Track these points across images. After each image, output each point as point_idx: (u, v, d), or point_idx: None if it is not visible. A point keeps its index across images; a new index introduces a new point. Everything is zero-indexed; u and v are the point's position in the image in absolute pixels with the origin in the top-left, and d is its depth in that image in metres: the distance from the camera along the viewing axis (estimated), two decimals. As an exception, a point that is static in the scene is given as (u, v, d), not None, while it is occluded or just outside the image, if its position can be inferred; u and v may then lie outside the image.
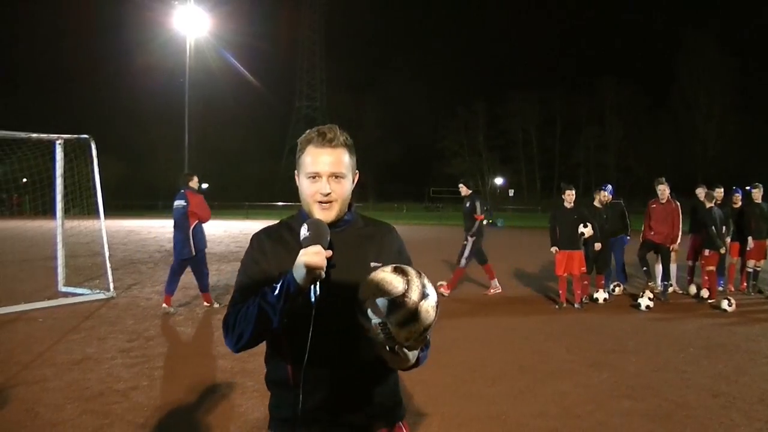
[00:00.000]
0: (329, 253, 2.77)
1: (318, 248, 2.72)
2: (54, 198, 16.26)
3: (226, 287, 16.82)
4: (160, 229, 46.17)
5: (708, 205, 15.31)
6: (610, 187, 16.76)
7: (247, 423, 7.07)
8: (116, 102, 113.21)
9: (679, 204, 15.45)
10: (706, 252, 15.17)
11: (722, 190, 16.82)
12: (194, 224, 13.66)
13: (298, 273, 2.69)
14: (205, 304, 14.45)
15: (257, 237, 3.16)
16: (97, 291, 15.53)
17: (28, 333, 11.54)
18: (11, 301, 14.02)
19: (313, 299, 2.72)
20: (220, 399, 7.89)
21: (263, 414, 7.28)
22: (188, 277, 17.59)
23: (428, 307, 2.58)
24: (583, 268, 14.34)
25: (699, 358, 10.13)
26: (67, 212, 16.64)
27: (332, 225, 2.96)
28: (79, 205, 16.90)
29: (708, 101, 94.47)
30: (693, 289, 15.94)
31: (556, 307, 14.63)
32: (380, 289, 2.57)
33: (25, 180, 18.61)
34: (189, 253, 13.64)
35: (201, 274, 14.21)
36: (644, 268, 15.65)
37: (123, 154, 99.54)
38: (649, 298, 14.24)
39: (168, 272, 14.24)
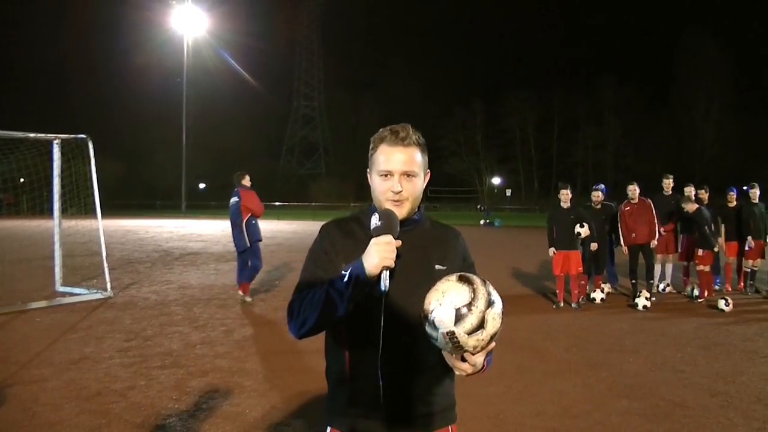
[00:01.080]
0: (399, 243, 2.80)
1: (389, 238, 2.76)
2: (51, 198, 16.24)
3: (224, 286, 16.81)
4: (157, 228, 46.14)
5: (694, 207, 15.32)
6: (602, 186, 16.74)
7: (245, 423, 7.06)
8: (114, 102, 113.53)
9: (651, 201, 15.48)
10: (700, 252, 15.18)
11: (704, 190, 16.97)
12: (247, 218, 14.41)
13: (369, 261, 2.73)
14: (239, 293, 14.87)
15: (327, 228, 3.19)
16: (95, 290, 15.54)
17: (25, 332, 11.54)
18: (9, 300, 14.05)
19: (383, 289, 2.74)
20: (218, 399, 7.89)
21: (261, 414, 7.32)
22: (184, 276, 17.63)
23: (495, 315, 2.63)
24: (580, 268, 14.36)
25: (697, 357, 10.14)
26: (65, 212, 16.65)
27: (401, 223, 2.97)
28: (77, 204, 16.91)
29: (706, 101, 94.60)
30: (690, 290, 15.93)
31: (554, 306, 14.65)
32: (446, 299, 2.59)
33: (22, 180, 18.61)
34: (244, 245, 14.41)
35: (249, 265, 14.79)
36: (632, 281, 15.60)
37: (121, 153, 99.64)
38: (647, 298, 14.27)
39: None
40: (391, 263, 2.73)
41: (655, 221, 15.23)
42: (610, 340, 11.40)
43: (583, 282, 14.91)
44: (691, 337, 11.58)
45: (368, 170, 3.14)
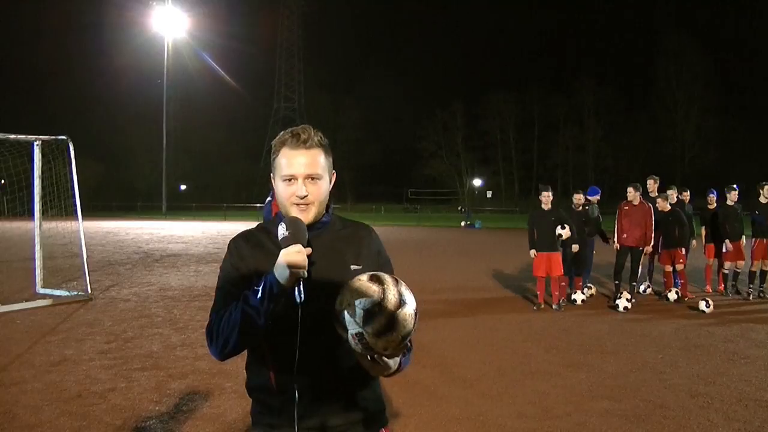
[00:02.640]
0: (309, 250, 2.74)
1: (299, 247, 2.69)
2: (32, 199, 16.16)
3: (204, 288, 16.84)
4: (138, 230, 46.01)
5: (667, 207, 15.39)
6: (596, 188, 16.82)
7: (225, 424, 7.07)
8: (95, 103, 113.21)
9: (651, 206, 15.48)
10: (682, 251, 15.26)
11: (686, 191, 17.49)
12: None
13: (281, 273, 2.66)
14: None
15: (234, 242, 3.11)
16: (75, 292, 15.48)
17: (5, 335, 11.47)
18: (-12, 302, 13.94)
19: (299, 300, 2.68)
20: (197, 400, 7.89)
21: (240, 415, 7.32)
22: (164, 278, 17.57)
23: (406, 315, 2.57)
24: (561, 270, 14.39)
25: (677, 358, 10.17)
26: (45, 213, 16.55)
27: (310, 227, 2.92)
28: (57, 206, 16.83)
29: (686, 102, 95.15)
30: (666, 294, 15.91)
31: (534, 308, 14.66)
32: (356, 299, 2.56)
33: (2, 181, 18.52)
34: None
35: None
36: (616, 282, 15.64)
37: (101, 155, 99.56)
38: (627, 299, 14.29)
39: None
40: (304, 273, 2.69)
41: (652, 227, 15.19)
42: (591, 341, 11.43)
43: (563, 284, 14.93)
44: (672, 339, 11.62)
45: (271, 175, 3.10)
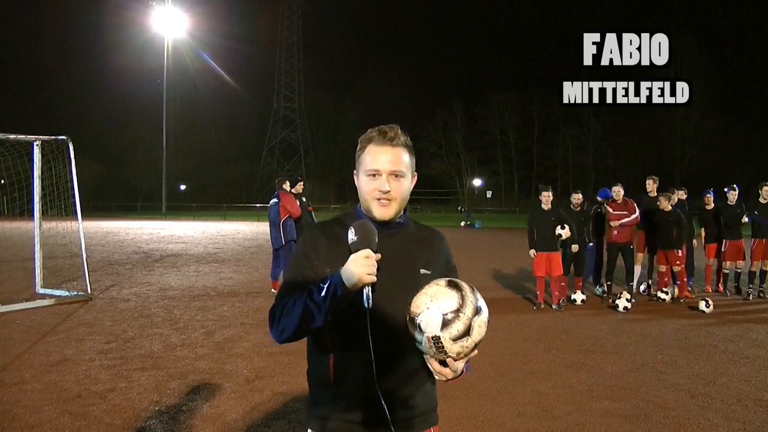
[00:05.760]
0: (378, 256, 2.77)
1: (368, 252, 2.73)
2: (32, 199, 16.15)
3: (204, 288, 16.78)
4: (137, 230, 45.98)
5: (668, 207, 15.34)
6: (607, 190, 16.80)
7: (225, 424, 7.06)
8: (94, 103, 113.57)
9: (635, 204, 15.49)
10: (679, 252, 15.22)
11: (683, 191, 17.51)
12: (285, 218, 15.10)
13: (348, 278, 2.70)
14: (273, 291, 15.50)
15: (311, 231, 3.16)
16: (75, 292, 15.46)
17: (5, 335, 11.46)
18: (-12, 302, 13.93)
19: (367, 306, 2.71)
20: (198, 400, 7.88)
21: (240, 415, 7.33)
22: (164, 278, 17.54)
23: (481, 323, 2.63)
24: (561, 270, 14.38)
25: (677, 358, 10.17)
26: (45, 213, 16.55)
27: (386, 226, 3.00)
28: (57, 206, 16.82)
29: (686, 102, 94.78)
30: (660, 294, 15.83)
31: (534, 308, 14.65)
32: (435, 304, 2.60)
33: (2, 181, 18.50)
34: (280, 242, 15.12)
35: (283, 264, 15.31)
36: (608, 282, 15.72)
37: (101, 155, 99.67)
38: (627, 299, 14.29)
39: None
40: (373, 279, 2.71)
41: (638, 218, 15.25)
42: (591, 341, 11.42)
43: (563, 283, 14.92)
44: (672, 339, 11.62)
45: (355, 171, 3.12)
